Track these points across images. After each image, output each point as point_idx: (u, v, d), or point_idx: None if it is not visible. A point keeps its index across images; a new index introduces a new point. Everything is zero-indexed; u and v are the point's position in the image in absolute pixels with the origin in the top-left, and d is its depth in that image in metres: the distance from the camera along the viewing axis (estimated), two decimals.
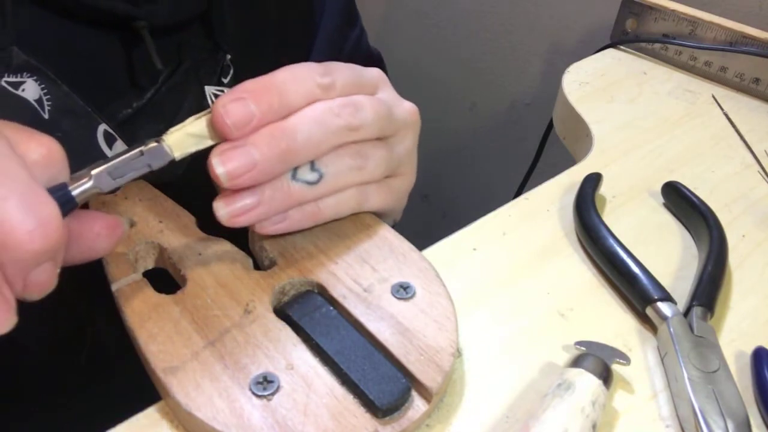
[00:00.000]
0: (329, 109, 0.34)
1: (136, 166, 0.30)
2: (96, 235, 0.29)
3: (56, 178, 0.28)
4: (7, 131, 0.27)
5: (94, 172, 0.29)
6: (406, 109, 0.39)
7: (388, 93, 0.39)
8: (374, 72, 0.39)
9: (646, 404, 0.34)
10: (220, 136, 0.32)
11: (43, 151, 0.27)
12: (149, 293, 0.33)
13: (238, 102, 0.32)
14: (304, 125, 0.33)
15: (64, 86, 0.38)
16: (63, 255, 0.28)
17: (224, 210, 0.33)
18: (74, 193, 0.28)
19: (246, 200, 0.33)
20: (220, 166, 0.31)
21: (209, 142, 0.32)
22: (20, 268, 0.25)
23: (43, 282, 0.26)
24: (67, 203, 0.28)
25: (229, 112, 0.31)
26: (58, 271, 0.27)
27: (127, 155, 0.30)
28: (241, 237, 0.37)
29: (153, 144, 0.31)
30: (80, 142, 0.39)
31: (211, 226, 0.37)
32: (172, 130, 0.31)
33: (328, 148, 0.34)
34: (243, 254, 0.36)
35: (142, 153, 0.30)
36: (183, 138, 0.31)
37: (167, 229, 0.37)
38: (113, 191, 0.37)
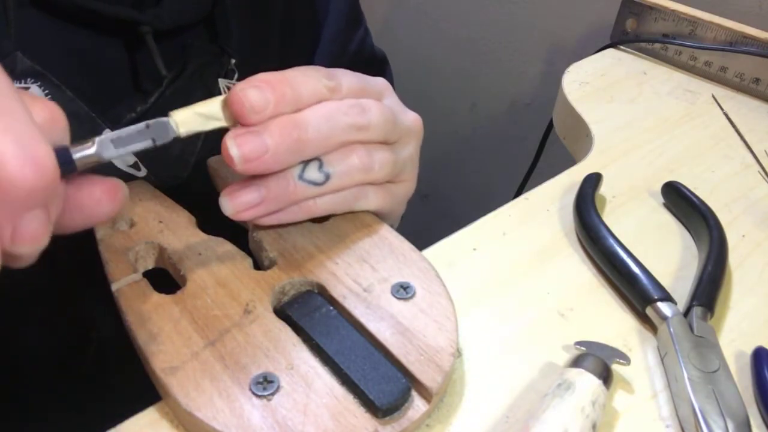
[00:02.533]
0: (337, 107, 0.35)
1: (141, 138, 0.30)
2: (97, 201, 0.29)
3: (58, 143, 0.27)
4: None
5: (97, 138, 0.29)
6: (410, 117, 0.40)
7: (392, 101, 0.40)
8: (379, 81, 0.40)
9: (646, 404, 0.34)
10: (236, 118, 0.32)
11: (46, 114, 0.27)
12: (149, 293, 0.33)
13: (255, 88, 0.32)
14: (314, 119, 0.34)
15: (68, 91, 0.38)
16: (56, 210, 0.27)
17: (229, 205, 0.34)
18: (75, 156, 0.28)
19: (251, 196, 0.34)
20: (235, 149, 0.32)
21: (216, 123, 0.32)
22: (9, 207, 0.24)
23: (33, 232, 0.25)
24: (65, 164, 0.27)
25: (247, 96, 0.32)
26: (51, 228, 0.26)
27: (133, 127, 0.30)
28: (241, 237, 0.38)
29: (159, 118, 0.31)
30: None
31: (211, 226, 0.37)
32: (181, 108, 0.32)
33: (336, 145, 0.35)
34: (243, 254, 0.36)
35: (147, 126, 0.30)
36: (190, 116, 0.31)
37: (167, 229, 0.37)
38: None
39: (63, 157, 0.27)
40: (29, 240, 0.25)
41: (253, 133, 0.32)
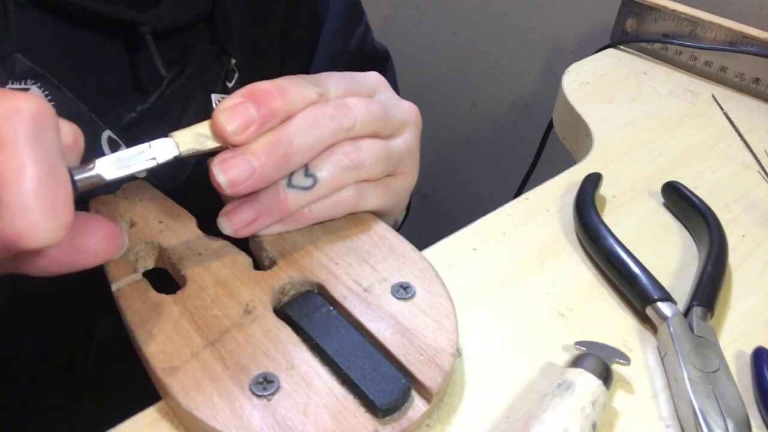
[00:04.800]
0: (323, 111, 0.35)
1: (143, 158, 0.31)
2: (95, 243, 0.28)
3: (71, 164, 0.28)
4: None
5: (99, 160, 0.29)
6: (405, 108, 0.40)
7: (386, 95, 0.39)
8: (371, 76, 0.39)
9: (646, 404, 0.34)
10: (220, 140, 0.33)
11: (70, 140, 0.28)
12: (149, 293, 0.33)
13: (237, 107, 0.32)
14: (299, 131, 0.34)
15: (68, 92, 0.38)
16: None
17: (227, 225, 0.35)
18: (77, 177, 0.28)
19: (246, 213, 0.35)
20: (222, 175, 0.32)
21: (212, 144, 0.33)
22: (9, 250, 0.25)
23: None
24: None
25: (228, 118, 0.32)
26: None
27: (134, 147, 0.31)
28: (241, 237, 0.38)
29: (161, 138, 0.31)
30: (85, 149, 0.39)
31: (211, 226, 0.37)
32: (181, 129, 0.32)
33: (322, 149, 0.35)
34: (243, 254, 0.36)
35: (150, 146, 0.31)
36: (191, 136, 0.32)
37: (167, 229, 0.37)
38: (117, 184, 0.37)
39: None
40: None
41: (238, 157, 0.32)
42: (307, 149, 0.34)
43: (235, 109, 0.32)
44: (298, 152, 0.34)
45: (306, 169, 0.35)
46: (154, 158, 0.31)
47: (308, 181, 0.35)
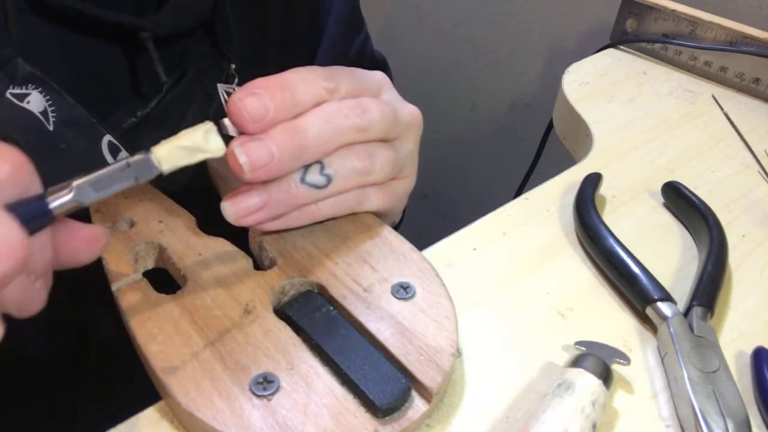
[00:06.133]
0: (338, 109, 0.35)
1: (122, 178, 0.29)
2: (76, 248, 0.28)
3: (27, 192, 0.26)
4: None
5: (75, 183, 0.27)
6: (410, 111, 0.40)
7: (391, 95, 0.39)
8: (377, 75, 0.39)
9: (646, 404, 0.34)
10: (236, 127, 0.32)
11: (8, 167, 0.25)
12: (149, 293, 0.33)
13: (253, 96, 0.32)
14: (314, 123, 0.34)
15: (68, 98, 0.38)
16: (42, 269, 0.26)
17: (231, 210, 0.34)
18: (52, 205, 0.26)
19: (252, 200, 0.34)
20: (243, 156, 0.32)
21: (200, 156, 0.31)
22: None
23: (17, 298, 0.25)
24: (42, 216, 0.26)
25: (246, 105, 0.32)
26: (42, 284, 0.26)
27: (113, 167, 0.28)
28: (241, 237, 0.38)
29: (140, 156, 0.29)
30: (85, 154, 0.39)
31: (211, 226, 0.37)
32: (163, 142, 0.30)
33: (337, 147, 0.35)
34: (243, 254, 0.36)
35: (128, 165, 0.29)
36: (173, 151, 0.30)
37: (167, 229, 0.37)
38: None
39: (37, 208, 0.26)
40: (20, 305, 0.26)
41: (257, 141, 0.32)
42: (321, 143, 0.34)
43: (251, 97, 0.32)
44: (313, 145, 0.34)
45: (321, 168, 0.35)
46: (136, 177, 0.29)
47: (323, 180, 0.35)
